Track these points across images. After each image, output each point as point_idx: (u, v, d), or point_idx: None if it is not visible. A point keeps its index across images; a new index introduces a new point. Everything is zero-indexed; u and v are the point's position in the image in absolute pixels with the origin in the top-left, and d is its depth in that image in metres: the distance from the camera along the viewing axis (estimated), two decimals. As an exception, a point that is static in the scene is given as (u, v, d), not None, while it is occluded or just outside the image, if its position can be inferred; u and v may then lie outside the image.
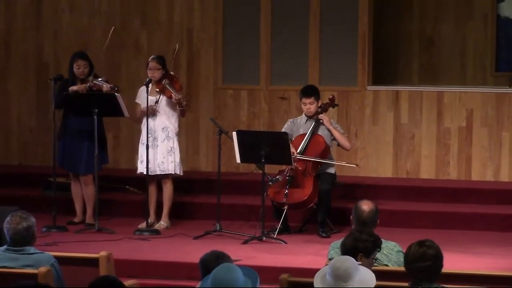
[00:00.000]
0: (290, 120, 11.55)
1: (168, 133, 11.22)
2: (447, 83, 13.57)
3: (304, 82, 12.14)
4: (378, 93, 12.91)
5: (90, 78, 11.29)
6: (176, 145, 11.26)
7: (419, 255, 6.76)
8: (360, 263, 6.81)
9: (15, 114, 13.82)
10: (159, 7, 13.44)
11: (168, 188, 11.32)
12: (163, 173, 11.23)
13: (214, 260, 6.40)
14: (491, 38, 13.93)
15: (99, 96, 11.15)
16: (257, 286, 5.73)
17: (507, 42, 13.98)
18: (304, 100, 11.23)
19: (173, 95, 11.06)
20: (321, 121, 11.15)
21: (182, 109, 11.23)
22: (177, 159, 11.26)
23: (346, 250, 7.02)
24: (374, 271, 6.44)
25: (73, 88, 11.22)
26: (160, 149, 11.17)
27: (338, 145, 11.27)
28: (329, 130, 11.15)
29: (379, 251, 7.11)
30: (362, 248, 6.96)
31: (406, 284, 6.74)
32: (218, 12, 13.23)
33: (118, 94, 11.08)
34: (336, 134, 11.17)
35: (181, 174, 11.37)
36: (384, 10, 13.78)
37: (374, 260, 7.03)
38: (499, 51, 13.97)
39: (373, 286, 6.29)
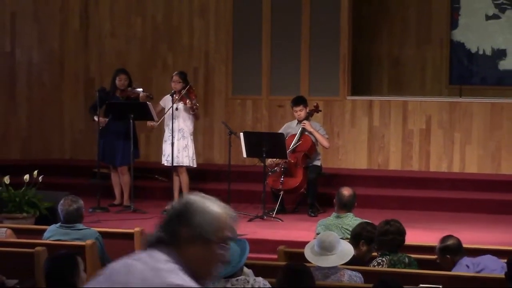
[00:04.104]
0: (286, 124, 11.56)
1: (184, 133, 11.20)
2: (411, 94, 13.54)
3: (297, 93, 12.11)
4: (355, 102, 12.88)
5: (129, 88, 11.29)
6: (190, 143, 11.24)
7: (384, 230, 6.77)
8: (363, 248, 6.81)
9: (68, 119, 13.80)
10: (182, 34, 13.42)
11: (184, 177, 11.30)
12: (178, 164, 11.21)
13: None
14: (446, 58, 13.90)
15: (134, 105, 11.15)
16: (247, 251, 5.66)
17: (458, 61, 13.95)
18: (294, 108, 11.22)
19: (187, 101, 11.08)
20: (304, 126, 11.13)
21: (194, 114, 11.24)
22: (191, 154, 11.24)
23: (353, 235, 6.97)
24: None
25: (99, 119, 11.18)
26: (176, 146, 11.17)
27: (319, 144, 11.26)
28: (311, 133, 11.13)
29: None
30: (366, 236, 6.91)
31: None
32: (229, 38, 13.21)
33: (149, 103, 11.08)
34: (317, 136, 11.14)
35: (195, 166, 11.33)
36: (360, 36, 13.75)
37: (374, 248, 6.93)
38: (452, 68, 13.95)
39: (351, 256, 6.28)
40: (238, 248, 5.64)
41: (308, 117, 11.22)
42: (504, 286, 5.83)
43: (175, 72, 11.34)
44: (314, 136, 11.12)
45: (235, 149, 11.33)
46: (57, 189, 10.64)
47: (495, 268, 6.57)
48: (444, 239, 6.75)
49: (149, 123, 11.29)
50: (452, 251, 6.65)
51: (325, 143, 11.23)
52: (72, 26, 13.74)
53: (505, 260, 6.55)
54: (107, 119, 11.23)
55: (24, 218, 9.79)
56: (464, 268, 6.62)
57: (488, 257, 6.72)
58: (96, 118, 11.22)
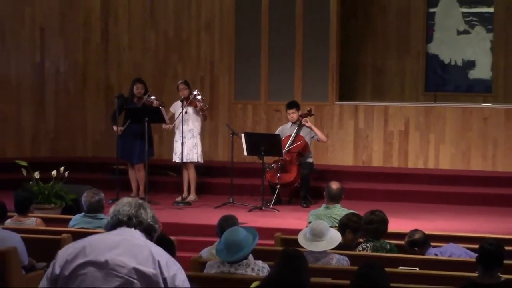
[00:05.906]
0: (281, 126, 11.59)
1: (193, 133, 11.23)
2: (391, 100, 13.57)
3: (291, 98, 12.12)
4: (343, 107, 12.90)
5: (145, 96, 11.33)
6: (198, 142, 11.27)
7: (369, 220, 6.77)
8: (350, 236, 6.81)
9: (90, 121, 13.83)
10: (191, 47, 13.44)
11: (192, 172, 11.32)
12: (189, 161, 11.24)
13: (225, 221, 6.40)
14: (422, 68, 13.94)
15: (149, 110, 11.18)
16: (257, 239, 5.72)
17: (433, 71, 14.00)
18: (288, 111, 11.26)
19: (197, 104, 11.11)
20: (304, 123, 11.18)
21: (204, 114, 11.27)
22: (199, 151, 11.28)
23: (340, 224, 6.96)
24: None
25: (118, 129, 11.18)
26: (187, 144, 11.19)
27: (318, 140, 11.30)
28: (310, 128, 11.18)
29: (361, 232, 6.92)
30: (351, 226, 6.88)
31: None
32: (231, 50, 13.23)
33: (162, 108, 11.10)
34: (315, 130, 11.22)
35: (202, 162, 11.37)
36: (347, 48, 13.77)
37: (359, 236, 6.88)
38: (428, 77, 14.00)
39: (338, 242, 6.31)
40: (251, 235, 5.70)
41: (303, 119, 11.25)
42: (472, 268, 5.87)
43: (180, 81, 11.41)
44: (313, 131, 11.17)
45: (237, 148, 11.35)
46: (81, 183, 10.68)
47: (460, 253, 6.63)
48: (411, 233, 6.78)
49: (164, 126, 11.31)
50: (418, 243, 6.69)
51: (323, 137, 11.32)
52: (94, 40, 13.77)
53: (465, 246, 6.62)
54: (122, 128, 11.23)
55: (52, 208, 9.85)
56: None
57: (451, 245, 6.76)
58: (115, 128, 11.23)
